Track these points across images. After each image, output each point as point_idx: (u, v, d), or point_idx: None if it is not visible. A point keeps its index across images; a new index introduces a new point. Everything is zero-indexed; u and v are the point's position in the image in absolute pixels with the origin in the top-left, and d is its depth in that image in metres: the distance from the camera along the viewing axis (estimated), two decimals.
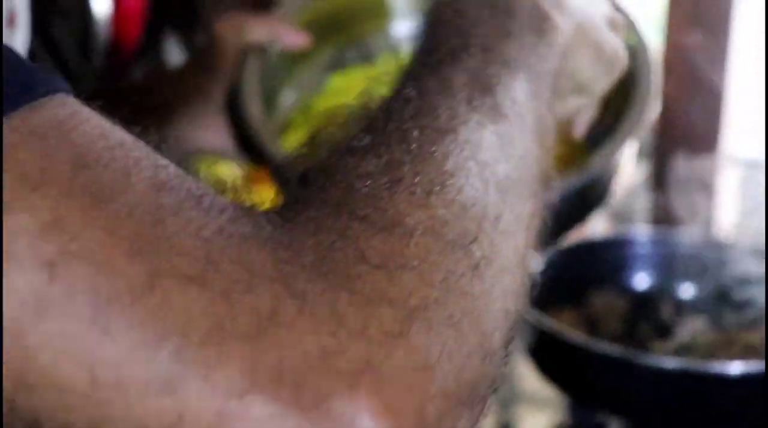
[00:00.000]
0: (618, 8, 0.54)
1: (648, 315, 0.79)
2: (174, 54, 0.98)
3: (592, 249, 0.82)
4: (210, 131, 0.67)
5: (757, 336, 0.77)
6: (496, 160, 0.35)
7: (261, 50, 0.64)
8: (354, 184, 0.32)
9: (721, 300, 0.80)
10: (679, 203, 1.08)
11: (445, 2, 0.43)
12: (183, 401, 0.24)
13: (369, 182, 0.32)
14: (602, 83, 0.49)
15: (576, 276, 0.80)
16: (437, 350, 0.28)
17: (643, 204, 1.20)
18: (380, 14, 0.70)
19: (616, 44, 0.49)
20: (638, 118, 0.59)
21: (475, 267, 0.31)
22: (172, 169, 0.28)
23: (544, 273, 0.79)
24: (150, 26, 0.91)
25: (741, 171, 1.17)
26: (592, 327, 0.78)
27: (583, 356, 0.68)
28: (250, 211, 0.29)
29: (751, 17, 1.10)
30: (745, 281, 0.80)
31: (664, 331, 0.78)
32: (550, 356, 0.71)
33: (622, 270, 0.82)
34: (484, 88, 0.38)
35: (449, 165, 0.33)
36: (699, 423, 0.70)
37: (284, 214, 0.30)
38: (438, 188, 0.32)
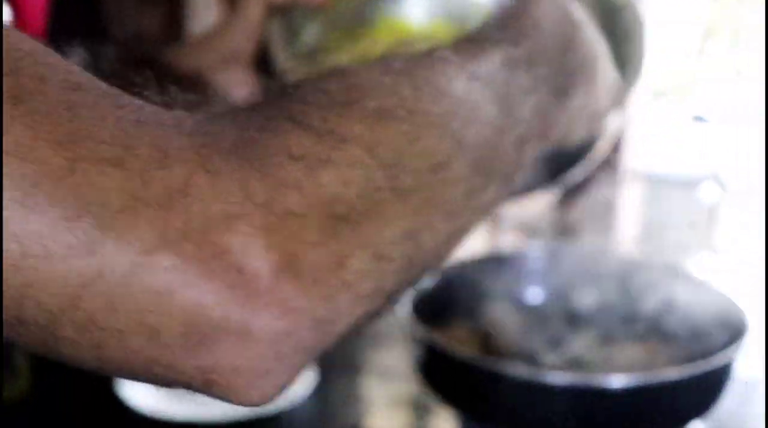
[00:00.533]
0: None
1: (541, 330, 0.80)
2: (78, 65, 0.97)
3: (486, 264, 0.83)
4: (240, 92, 0.69)
5: (645, 349, 0.79)
6: (470, 122, 0.37)
7: (284, 10, 0.68)
8: (308, 96, 0.34)
9: (614, 314, 0.81)
10: (580, 218, 1.09)
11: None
12: (101, 260, 0.28)
13: (324, 97, 0.34)
14: None
15: (470, 291, 0.80)
16: (342, 245, 0.31)
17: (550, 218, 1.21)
18: None
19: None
20: (634, 73, 0.60)
21: (400, 192, 0.34)
22: (86, 74, 0.31)
23: (437, 288, 0.79)
24: (53, 37, 0.89)
25: (643, 186, 1.19)
26: (486, 342, 0.78)
27: (471, 372, 0.68)
28: (172, 111, 0.32)
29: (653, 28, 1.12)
30: (639, 295, 0.81)
31: (557, 345, 0.78)
32: (439, 372, 0.71)
33: (516, 285, 0.82)
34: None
35: (413, 106, 0.35)
36: None
37: (218, 115, 0.33)
38: (392, 119, 0.34)
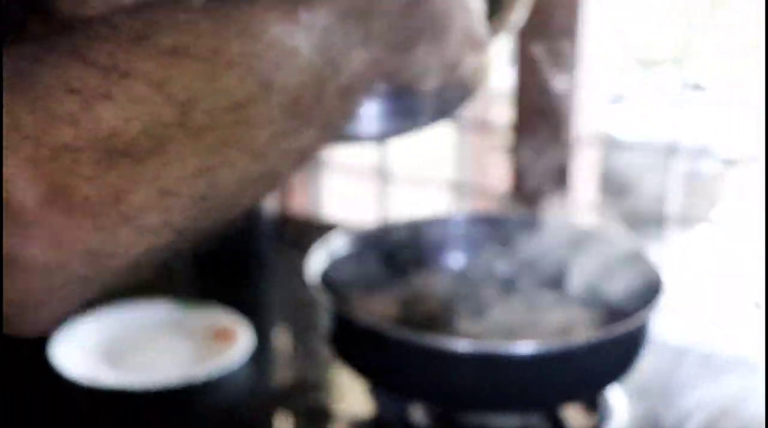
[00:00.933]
0: None
1: (463, 296, 0.79)
2: None
3: (409, 230, 0.82)
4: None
5: (569, 315, 0.78)
6: (282, 66, 0.37)
7: None
8: (96, 31, 0.34)
9: (537, 280, 0.81)
10: (531, 182, 1.08)
11: None
12: None
13: (113, 32, 0.34)
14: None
15: (392, 257, 0.80)
16: (121, 179, 0.32)
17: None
18: None
19: None
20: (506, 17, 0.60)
21: (192, 129, 0.34)
22: None
23: (357, 254, 0.79)
24: None
25: (593, 150, 1.18)
26: (408, 308, 0.78)
27: (380, 341, 0.68)
28: None
29: None
30: (562, 260, 0.80)
31: (479, 312, 0.78)
32: (348, 342, 0.71)
33: (439, 251, 0.82)
34: None
35: (213, 45, 0.35)
36: (497, 404, 0.70)
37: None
38: (186, 57, 0.34)
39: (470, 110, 1.20)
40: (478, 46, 0.49)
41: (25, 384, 0.84)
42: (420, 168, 1.48)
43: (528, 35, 1.04)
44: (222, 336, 0.91)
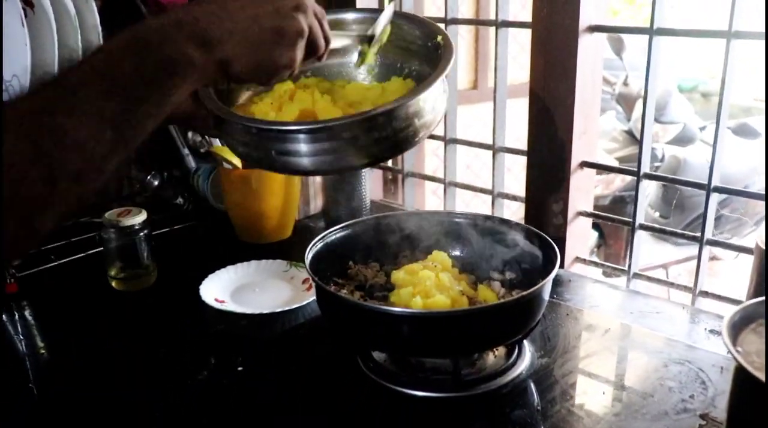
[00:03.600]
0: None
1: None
2: None
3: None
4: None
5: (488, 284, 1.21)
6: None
7: None
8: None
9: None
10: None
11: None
12: None
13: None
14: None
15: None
16: None
17: None
18: None
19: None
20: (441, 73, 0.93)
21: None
22: None
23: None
24: None
25: None
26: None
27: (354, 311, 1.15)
28: None
29: None
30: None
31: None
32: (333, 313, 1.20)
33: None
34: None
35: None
36: (434, 351, 1.13)
37: None
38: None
39: None
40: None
41: (181, 313, 1.36)
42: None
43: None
44: (308, 284, 1.41)
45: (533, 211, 1.48)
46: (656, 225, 1.45)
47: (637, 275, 1.44)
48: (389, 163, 1.85)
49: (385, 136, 0.86)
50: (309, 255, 1.17)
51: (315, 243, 1.21)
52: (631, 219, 1.42)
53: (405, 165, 1.84)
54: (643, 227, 1.42)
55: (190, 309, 1.36)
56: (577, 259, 1.51)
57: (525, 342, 1.16)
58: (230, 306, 1.35)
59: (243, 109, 0.98)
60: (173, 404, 1.05)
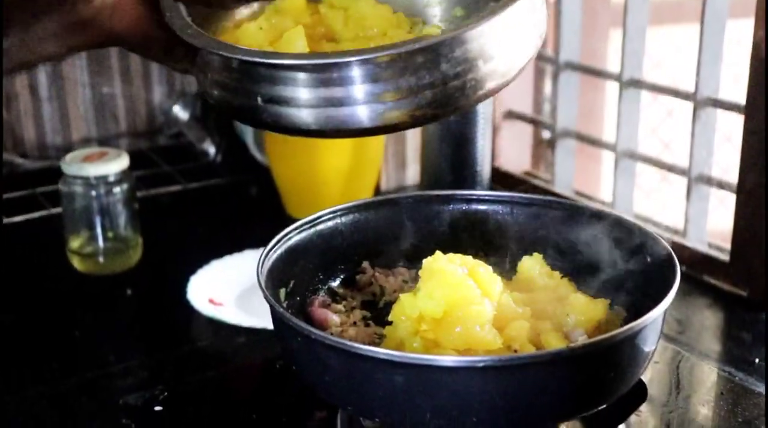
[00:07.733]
0: None
1: None
2: None
3: None
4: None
5: None
6: None
7: None
8: None
9: None
10: None
11: None
12: None
13: None
14: None
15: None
16: None
17: None
18: None
19: None
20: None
21: None
22: None
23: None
24: None
25: None
26: None
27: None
28: None
29: None
30: None
31: None
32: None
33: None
34: None
35: None
36: None
37: None
38: None
39: None
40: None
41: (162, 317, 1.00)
42: None
43: None
44: None
45: (749, 209, 0.99)
46: None
47: None
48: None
49: (429, 84, 0.64)
50: (278, 249, 0.76)
51: (301, 226, 0.79)
52: None
53: (559, 117, 1.29)
54: None
55: (173, 311, 0.97)
56: None
57: None
58: (227, 312, 0.95)
59: (229, 34, 0.74)
60: None
